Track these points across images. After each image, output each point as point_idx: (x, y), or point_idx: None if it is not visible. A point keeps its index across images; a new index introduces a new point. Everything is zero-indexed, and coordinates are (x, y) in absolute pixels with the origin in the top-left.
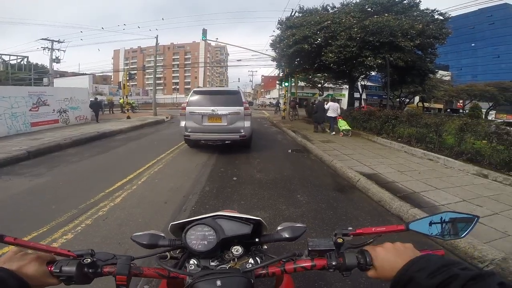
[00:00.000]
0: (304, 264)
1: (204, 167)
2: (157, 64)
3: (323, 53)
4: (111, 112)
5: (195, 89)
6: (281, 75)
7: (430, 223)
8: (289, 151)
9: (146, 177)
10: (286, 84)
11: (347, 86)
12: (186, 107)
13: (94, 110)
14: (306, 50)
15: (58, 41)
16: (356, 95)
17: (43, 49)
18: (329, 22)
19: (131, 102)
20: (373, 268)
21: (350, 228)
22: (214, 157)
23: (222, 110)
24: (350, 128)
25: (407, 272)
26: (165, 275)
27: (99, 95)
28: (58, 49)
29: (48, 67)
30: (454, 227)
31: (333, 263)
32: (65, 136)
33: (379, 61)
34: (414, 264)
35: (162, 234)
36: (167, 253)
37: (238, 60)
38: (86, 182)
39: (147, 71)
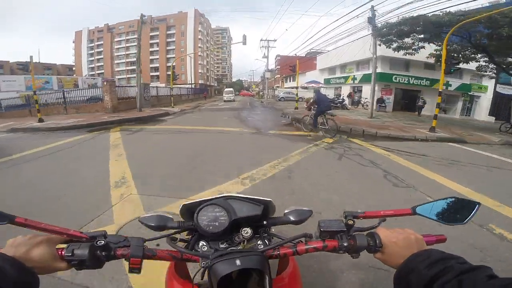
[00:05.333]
0: (315, 245)
1: None
2: (129, 45)
3: None
4: None
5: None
6: None
7: (436, 208)
8: None
9: None
10: None
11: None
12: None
13: None
14: None
15: None
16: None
17: None
18: None
19: None
20: (381, 251)
21: (360, 211)
22: None
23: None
24: None
25: (411, 263)
26: (178, 257)
27: None
28: None
29: None
30: (458, 212)
31: (344, 244)
32: None
33: None
34: (417, 257)
35: (170, 216)
36: (177, 235)
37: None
38: None
39: (115, 54)
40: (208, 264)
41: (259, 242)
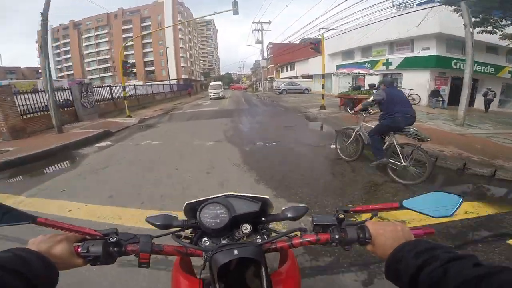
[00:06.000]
0: (309, 239)
1: None
2: (99, 41)
3: None
4: None
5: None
6: None
7: (422, 201)
8: None
9: None
10: None
11: None
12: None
13: None
14: None
15: None
16: None
17: None
18: None
19: None
20: (371, 243)
21: (350, 205)
22: None
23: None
24: None
25: (399, 253)
26: (183, 252)
27: None
28: None
29: None
30: (443, 205)
31: (336, 237)
32: None
33: None
34: (405, 246)
35: (175, 215)
36: (181, 232)
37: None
38: None
39: (85, 52)
40: (208, 255)
41: (257, 237)
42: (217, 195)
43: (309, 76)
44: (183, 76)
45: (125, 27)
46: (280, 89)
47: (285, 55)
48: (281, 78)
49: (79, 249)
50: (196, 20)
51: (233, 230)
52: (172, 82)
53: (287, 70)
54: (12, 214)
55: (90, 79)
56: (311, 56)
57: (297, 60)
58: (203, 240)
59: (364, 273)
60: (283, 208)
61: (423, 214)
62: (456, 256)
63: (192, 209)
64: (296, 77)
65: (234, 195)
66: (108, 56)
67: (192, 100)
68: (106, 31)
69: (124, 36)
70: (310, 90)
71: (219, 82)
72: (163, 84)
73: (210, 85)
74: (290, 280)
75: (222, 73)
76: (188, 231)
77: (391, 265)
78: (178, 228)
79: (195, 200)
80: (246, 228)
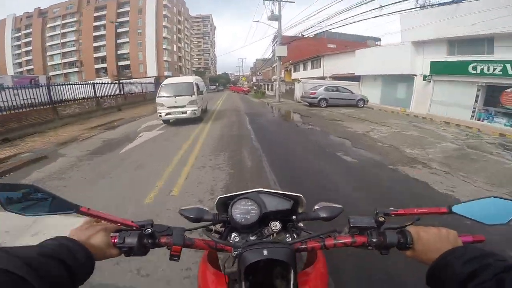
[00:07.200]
0: (344, 240)
1: None
2: (66, 31)
3: None
4: None
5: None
6: None
7: (474, 207)
8: None
9: None
10: None
11: None
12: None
13: None
14: None
15: None
16: None
17: None
18: None
19: None
20: (412, 248)
21: (392, 208)
22: None
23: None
24: None
25: (445, 259)
26: (213, 246)
27: None
28: None
29: None
30: (498, 212)
31: (374, 240)
32: None
33: None
34: (453, 253)
35: (207, 209)
36: (211, 227)
37: None
38: None
39: (48, 44)
40: (238, 252)
41: (287, 235)
42: (249, 191)
43: (348, 78)
44: (166, 73)
45: (98, 13)
46: (316, 98)
47: (300, 49)
48: (294, 79)
49: (115, 240)
50: (193, 15)
51: (262, 226)
52: (149, 80)
53: (304, 69)
54: (57, 202)
55: (53, 75)
56: (359, 46)
57: (325, 54)
58: (233, 235)
59: None
60: (316, 207)
61: (475, 221)
62: (509, 265)
63: (224, 204)
64: (323, 77)
65: (266, 191)
66: (75, 48)
67: (150, 112)
68: (75, 19)
69: (95, 24)
70: (367, 101)
71: (191, 79)
72: (101, 83)
73: (163, 85)
74: (317, 282)
75: (218, 72)
76: (218, 225)
77: (435, 272)
78: (209, 222)
79: (227, 195)
80: (276, 225)
